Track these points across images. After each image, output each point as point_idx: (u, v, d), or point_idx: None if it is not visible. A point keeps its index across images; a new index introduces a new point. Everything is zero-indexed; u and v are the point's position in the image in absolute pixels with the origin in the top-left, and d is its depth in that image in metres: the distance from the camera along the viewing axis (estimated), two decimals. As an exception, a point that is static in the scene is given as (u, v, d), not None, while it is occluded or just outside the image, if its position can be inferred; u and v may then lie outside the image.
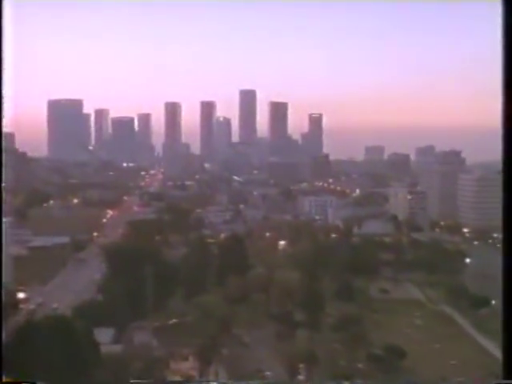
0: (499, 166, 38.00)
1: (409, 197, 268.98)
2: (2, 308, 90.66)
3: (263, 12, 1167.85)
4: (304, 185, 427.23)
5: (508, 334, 30.93)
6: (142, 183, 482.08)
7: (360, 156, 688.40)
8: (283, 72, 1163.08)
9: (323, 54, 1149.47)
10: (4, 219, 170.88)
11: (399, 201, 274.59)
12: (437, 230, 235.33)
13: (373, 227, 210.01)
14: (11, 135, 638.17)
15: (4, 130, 46.53)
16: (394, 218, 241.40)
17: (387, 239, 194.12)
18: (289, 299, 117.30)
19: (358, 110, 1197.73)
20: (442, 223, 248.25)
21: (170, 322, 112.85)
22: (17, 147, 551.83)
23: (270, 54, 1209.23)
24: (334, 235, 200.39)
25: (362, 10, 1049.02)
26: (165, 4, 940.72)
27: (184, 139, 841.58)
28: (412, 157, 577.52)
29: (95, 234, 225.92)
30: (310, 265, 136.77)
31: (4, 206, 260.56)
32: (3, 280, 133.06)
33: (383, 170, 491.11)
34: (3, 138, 49.32)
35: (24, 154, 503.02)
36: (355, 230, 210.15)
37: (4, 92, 39.89)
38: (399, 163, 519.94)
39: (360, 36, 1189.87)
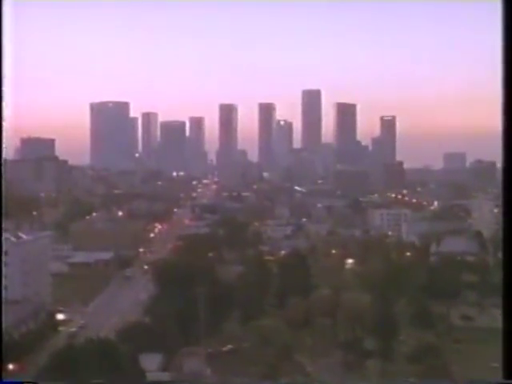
0: None
1: (495, 210, 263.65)
2: (2, 310, 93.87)
3: (331, 8, 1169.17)
4: (375, 196, 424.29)
5: (508, 335, 32.15)
6: (194, 194, 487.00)
7: (438, 164, 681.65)
8: (351, 70, 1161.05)
9: (396, 52, 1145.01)
10: (46, 233, 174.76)
11: (484, 215, 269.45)
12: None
13: (454, 245, 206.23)
14: (51, 141, 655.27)
15: (4, 132, 49.07)
16: (479, 234, 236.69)
17: (470, 259, 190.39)
18: (358, 325, 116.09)
19: (436, 112, 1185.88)
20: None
21: (225, 349, 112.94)
22: (57, 154, 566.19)
23: (336, 52, 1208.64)
24: (408, 253, 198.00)
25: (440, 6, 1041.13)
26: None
27: (240, 145, 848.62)
28: (499, 164, 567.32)
29: (142, 249, 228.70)
30: (382, 286, 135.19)
31: (45, 218, 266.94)
32: (42, 300, 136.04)
33: (465, 179, 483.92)
34: (3, 140, 51.86)
35: (65, 162, 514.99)
36: (433, 247, 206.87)
37: (4, 92, 42.50)
38: (484, 172, 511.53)
39: (436, 32, 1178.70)
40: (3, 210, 58.48)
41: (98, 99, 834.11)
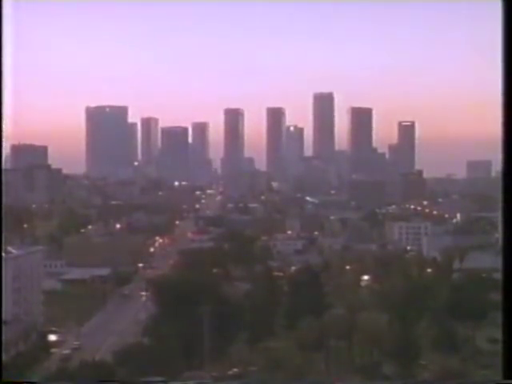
0: None
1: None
2: (2, 312, 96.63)
3: (344, 8, 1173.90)
4: (392, 208, 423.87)
5: (508, 335, 33.36)
6: (198, 205, 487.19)
7: (461, 173, 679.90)
8: (366, 73, 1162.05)
9: (416, 53, 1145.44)
10: (38, 247, 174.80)
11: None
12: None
13: (479, 261, 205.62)
14: (43, 149, 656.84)
15: (4, 134, 49.97)
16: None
17: (497, 276, 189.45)
18: (375, 347, 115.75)
19: (459, 117, 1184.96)
20: None
21: (231, 372, 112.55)
22: (50, 163, 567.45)
23: (349, 53, 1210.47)
24: (429, 270, 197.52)
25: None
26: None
27: (247, 153, 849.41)
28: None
29: (141, 265, 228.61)
30: (401, 306, 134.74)
31: (37, 232, 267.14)
32: (33, 319, 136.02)
33: (491, 189, 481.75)
34: (3, 145, 52.59)
35: (59, 171, 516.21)
36: (457, 263, 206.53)
37: (4, 93, 43.07)
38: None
39: (461, 33, 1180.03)
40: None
41: (94, 103, 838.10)
